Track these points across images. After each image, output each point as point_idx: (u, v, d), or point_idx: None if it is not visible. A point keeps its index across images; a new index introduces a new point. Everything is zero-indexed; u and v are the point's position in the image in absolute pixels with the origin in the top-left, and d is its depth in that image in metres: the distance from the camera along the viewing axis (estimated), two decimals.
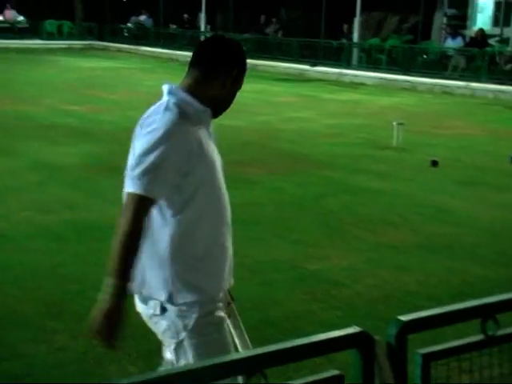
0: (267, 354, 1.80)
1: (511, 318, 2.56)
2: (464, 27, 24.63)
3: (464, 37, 22.82)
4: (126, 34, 33.68)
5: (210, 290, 2.66)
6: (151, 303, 2.67)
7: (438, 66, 21.33)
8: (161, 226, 2.59)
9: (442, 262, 6.23)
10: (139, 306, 2.75)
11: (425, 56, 22.72)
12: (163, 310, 2.64)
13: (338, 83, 21.35)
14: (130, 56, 29.58)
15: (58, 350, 4.37)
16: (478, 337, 2.08)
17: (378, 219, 7.46)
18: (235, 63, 2.69)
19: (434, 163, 10.13)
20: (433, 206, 8.07)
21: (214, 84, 2.66)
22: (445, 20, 25.30)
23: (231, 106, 2.78)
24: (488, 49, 20.97)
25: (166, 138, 2.52)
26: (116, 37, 33.25)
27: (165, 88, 2.71)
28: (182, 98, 2.64)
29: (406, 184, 9.08)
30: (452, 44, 22.18)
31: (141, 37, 32.11)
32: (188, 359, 2.60)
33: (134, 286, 2.62)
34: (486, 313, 2.06)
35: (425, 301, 5.17)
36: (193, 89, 2.66)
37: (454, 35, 22.47)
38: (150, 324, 2.76)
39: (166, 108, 2.60)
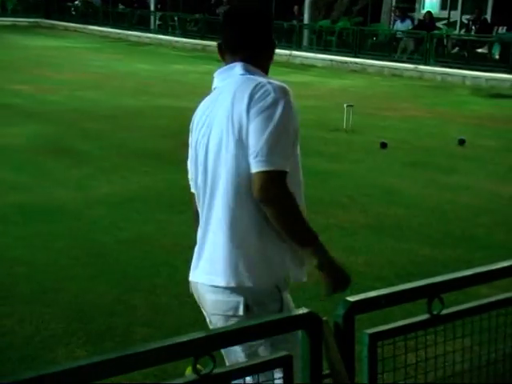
0: (216, 336, 1.81)
1: (455, 297, 2.61)
2: (413, 10, 24.85)
3: (413, 20, 23.03)
4: (73, 13, 33.06)
5: None
6: None
7: (388, 48, 21.50)
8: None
9: (390, 243, 6.31)
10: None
11: (374, 38, 22.89)
12: None
13: (289, 65, 21.35)
14: (77, 35, 29.09)
15: (3, 334, 4.30)
16: (424, 316, 2.11)
17: (328, 201, 7.52)
18: (271, 32, 2.70)
19: (383, 145, 10.24)
20: (382, 187, 8.16)
21: (267, 56, 2.67)
22: (394, 2, 25.47)
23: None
24: (436, 32, 21.22)
25: (290, 109, 2.47)
26: (63, 15, 32.62)
27: (239, 66, 2.58)
28: (261, 74, 2.59)
29: (356, 166, 9.16)
30: (401, 27, 22.37)
31: (89, 15, 31.56)
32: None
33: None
34: (431, 293, 2.09)
35: (373, 281, 5.24)
36: (256, 65, 2.61)
37: (403, 18, 22.65)
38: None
39: (263, 83, 2.49)
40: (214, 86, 2.69)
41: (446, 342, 2.21)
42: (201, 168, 2.58)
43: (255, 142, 2.40)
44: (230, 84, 2.56)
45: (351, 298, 1.98)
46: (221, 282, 2.50)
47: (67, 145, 9.57)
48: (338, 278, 2.64)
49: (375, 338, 2.00)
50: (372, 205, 7.47)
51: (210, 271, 2.55)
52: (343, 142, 10.55)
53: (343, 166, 9.12)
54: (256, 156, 2.40)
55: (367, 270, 5.64)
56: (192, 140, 2.67)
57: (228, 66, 2.63)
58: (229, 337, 1.82)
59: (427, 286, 2.11)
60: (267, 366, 1.82)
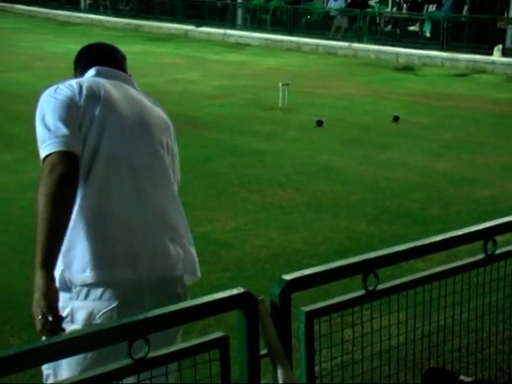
0: (151, 319, 1.77)
1: (392, 272, 2.64)
2: None
3: None
4: None
5: None
6: None
7: (322, 26, 21.56)
8: None
9: (328, 220, 6.36)
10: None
11: (308, 17, 22.91)
12: None
13: (224, 44, 21.24)
14: (4, 15, 28.23)
15: None
16: (360, 292, 2.12)
17: (265, 180, 7.52)
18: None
19: (319, 123, 10.29)
20: (318, 165, 8.21)
21: None
22: None
23: None
24: (368, 10, 21.37)
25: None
26: None
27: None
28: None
29: (292, 144, 9.18)
30: (334, 5, 22.46)
31: None
32: None
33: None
34: (366, 268, 2.10)
35: (311, 258, 5.27)
36: None
37: None
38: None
39: None
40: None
41: (382, 316, 2.23)
42: None
43: None
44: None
45: (287, 277, 1.97)
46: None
47: None
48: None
49: (312, 315, 2.00)
50: (309, 183, 7.51)
51: None
52: (279, 121, 10.56)
53: (280, 144, 9.13)
54: None
55: (305, 248, 5.67)
56: None
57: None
58: (164, 319, 1.79)
59: (362, 262, 2.12)
60: (203, 348, 1.80)
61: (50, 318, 2.16)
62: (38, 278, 2.20)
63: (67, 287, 2.37)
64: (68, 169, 2.28)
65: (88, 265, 2.36)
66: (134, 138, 2.53)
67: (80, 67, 2.77)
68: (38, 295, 2.19)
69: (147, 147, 2.56)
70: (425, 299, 2.35)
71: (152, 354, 1.71)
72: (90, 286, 2.37)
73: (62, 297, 2.33)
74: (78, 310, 2.37)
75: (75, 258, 2.37)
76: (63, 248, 2.34)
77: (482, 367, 2.60)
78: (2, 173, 7.33)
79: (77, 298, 2.37)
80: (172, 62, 16.86)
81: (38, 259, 2.21)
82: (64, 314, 2.31)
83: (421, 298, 2.34)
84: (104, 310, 2.35)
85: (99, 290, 2.37)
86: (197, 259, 2.61)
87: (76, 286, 2.37)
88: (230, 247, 5.64)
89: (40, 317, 2.16)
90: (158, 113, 2.68)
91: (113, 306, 2.36)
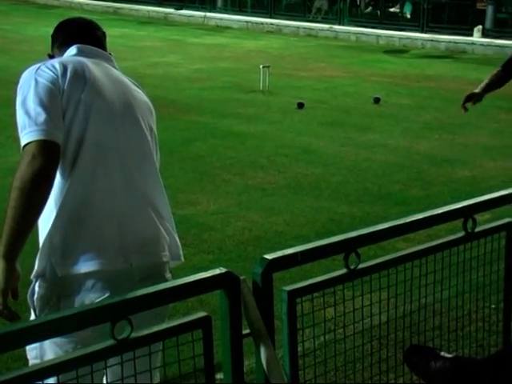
0: (134, 299, 1.78)
1: (374, 252, 2.66)
2: None
3: None
4: None
5: None
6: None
7: (302, 8, 21.49)
8: None
9: (309, 202, 6.37)
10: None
11: None
12: None
13: (204, 27, 21.11)
14: None
15: None
16: (341, 271, 2.14)
17: (247, 162, 7.52)
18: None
19: (300, 105, 10.29)
20: (300, 147, 8.21)
21: None
22: None
23: None
24: None
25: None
26: None
27: None
28: None
29: (274, 126, 9.17)
30: None
31: None
32: None
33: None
34: (347, 247, 2.11)
35: (293, 240, 5.29)
36: None
37: None
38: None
39: None
40: None
41: (363, 295, 2.25)
42: None
43: None
44: None
45: (269, 256, 1.98)
46: None
47: None
48: None
49: (294, 294, 2.01)
50: (290, 165, 7.51)
51: None
52: (260, 104, 10.54)
53: (261, 127, 9.12)
54: None
55: (287, 230, 5.69)
56: None
57: None
58: (147, 300, 1.79)
59: (343, 242, 2.13)
60: (186, 328, 1.81)
61: (5, 311, 2.23)
62: None
63: (55, 277, 2.33)
64: (47, 161, 2.22)
65: (77, 255, 2.33)
66: (121, 122, 2.48)
67: (58, 42, 2.67)
68: None
69: (134, 131, 2.52)
70: (406, 278, 2.37)
71: (135, 335, 1.71)
72: (81, 276, 2.33)
73: (49, 287, 2.32)
74: (67, 301, 2.33)
75: (64, 247, 2.33)
76: (51, 237, 2.32)
77: (463, 344, 2.63)
78: None
79: (66, 289, 2.34)
80: (152, 45, 16.74)
81: (1, 250, 2.21)
82: (50, 303, 2.31)
83: (402, 276, 2.36)
84: (96, 301, 2.32)
85: (90, 281, 2.34)
86: (180, 244, 2.61)
87: (65, 277, 2.33)
88: (212, 230, 5.64)
89: None
90: (141, 95, 2.65)
91: (105, 296, 2.32)
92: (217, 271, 1.86)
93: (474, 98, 5.04)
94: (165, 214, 2.55)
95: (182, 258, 2.62)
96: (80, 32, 2.67)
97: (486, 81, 5.04)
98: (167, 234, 2.52)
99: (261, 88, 11.31)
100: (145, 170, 2.52)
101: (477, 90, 5.02)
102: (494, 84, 5.03)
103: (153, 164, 2.56)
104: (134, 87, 2.63)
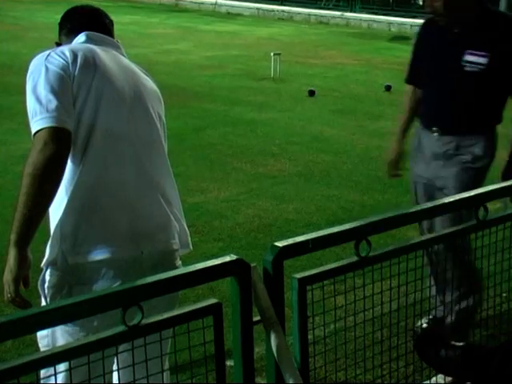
0: (144, 286, 1.78)
1: (384, 241, 2.66)
2: None
3: None
4: None
5: None
6: None
7: None
8: None
9: (320, 190, 6.36)
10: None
11: None
12: None
13: (215, 14, 21.05)
14: None
15: None
16: (352, 259, 2.13)
17: (258, 150, 7.51)
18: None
19: (311, 93, 10.25)
20: (310, 135, 8.20)
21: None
22: None
23: None
24: None
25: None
26: None
27: None
28: None
29: (284, 114, 9.15)
30: None
31: None
32: None
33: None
34: (358, 235, 2.10)
35: (303, 228, 5.29)
36: None
37: None
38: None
39: None
40: None
41: (374, 283, 2.24)
42: None
43: None
44: None
45: (279, 244, 1.98)
46: None
47: None
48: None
49: (304, 282, 2.01)
50: (301, 153, 7.50)
51: None
52: (271, 91, 10.52)
53: (271, 114, 9.10)
54: None
55: (298, 218, 5.69)
56: None
57: None
58: (158, 286, 1.80)
59: (354, 229, 2.12)
60: (196, 315, 1.81)
61: (17, 299, 2.25)
62: (10, 257, 2.22)
63: (66, 265, 2.33)
64: (59, 148, 2.22)
65: (89, 243, 2.33)
66: (131, 109, 2.47)
67: (66, 29, 2.65)
68: (6, 273, 2.24)
69: (144, 119, 2.51)
70: (417, 265, 2.37)
71: (146, 321, 1.72)
72: (92, 264, 2.33)
73: (60, 275, 2.33)
74: (79, 289, 2.33)
75: (75, 236, 2.33)
76: (62, 225, 2.32)
77: (473, 332, 2.62)
78: None
79: (77, 277, 2.34)
80: (163, 32, 16.71)
81: (13, 237, 2.22)
82: (63, 292, 2.33)
83: (412, 264, 2.35)
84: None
85: (101, 269, 2.34)
86: (188, 232, 2.61)
87: (76, 265, 2.33)
88: (223, 217, 5.65)
89: (8, 296, 2.25)
90: (150, 83, 2.65)
91: (116, 284, 2.31)
92: (227, 258, 1.86)
93: (398, 164, 3.98)
94: (174, 201, 2.55)
95: (191, 247, 2.62)
96: (88, 20, 2.65)
97: (400, 125, 4.03)
98: (177, 222, 2.53)
99: (272, 75, 11.28)
100: (155, 158, 2.52)
101: (393, 153, 3.98)
102: (413, 115, 3.97)
103: (163, 152, 2.56)
104: (143, 75, 2.63)
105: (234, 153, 7.38)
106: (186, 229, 2.60)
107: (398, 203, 5.86)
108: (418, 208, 2.42)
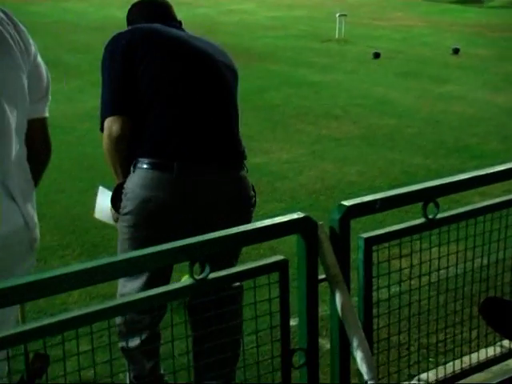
0: (212, 241, 1.79)
1: (449, 206, 2.61)
2: None
3: None
4: None
5: None
6: None
7: None
8: None
9: (383, 153, 6.30)
10: None
11: None
12: None
13: None
14: None
15: None
16: (419, 220, 2.11)
17: (321, 112, 7.46)
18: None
19: (377, 55, 10.10)
20: (374, 98, 8.09)
21: None
22: None
23: None
24: None
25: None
26: None
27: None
28: None
29: (348, 76, 9.05)
30: None
31: None
32: None
33: None
34: (426, 197, 2.08)
35: (366, 191, 5.18)
36: None
37: None
38: None
39: None
40: None
41: (440, 246, 2.22)
42: None
43: None
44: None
45: (346, 203, 1.97)
46: None
47: (54, 58, 9.36)
48: None
49: (371, 241, 2.00)
50: (365, 116, 7.42)
51: None
52: (335, 53, 10.40)
53: (336, 76, 9.01)
54: None
55: (360, 180, 5.65)
56: None
57: None
58: (226, 241, 1.81)
59: (422, 190, 2.10)
60: (263, 270, 1.82)
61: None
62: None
63: None
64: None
65: None
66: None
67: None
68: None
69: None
70: (484, 230, 2.33)
71: (213, 275, 1.74)
72: None
73: None
74: None
75: None
76: None
77: None
78: (60, 102, 7.40)
79: None
80: None
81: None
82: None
83: (480, 228, 2.31)
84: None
85: None
86: None
87: None
88: (285, 179, 5.65)
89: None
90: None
91: None
92: (295, 216, 1.86)
93: None
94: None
95: None
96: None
97: None
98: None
99: (336, 37, 11.15)
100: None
101: None
102: None
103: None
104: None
105: (297, 114, 7.34)
106: None
107: (463, 168, 5.75)
108: (486, 171, 2.36)
